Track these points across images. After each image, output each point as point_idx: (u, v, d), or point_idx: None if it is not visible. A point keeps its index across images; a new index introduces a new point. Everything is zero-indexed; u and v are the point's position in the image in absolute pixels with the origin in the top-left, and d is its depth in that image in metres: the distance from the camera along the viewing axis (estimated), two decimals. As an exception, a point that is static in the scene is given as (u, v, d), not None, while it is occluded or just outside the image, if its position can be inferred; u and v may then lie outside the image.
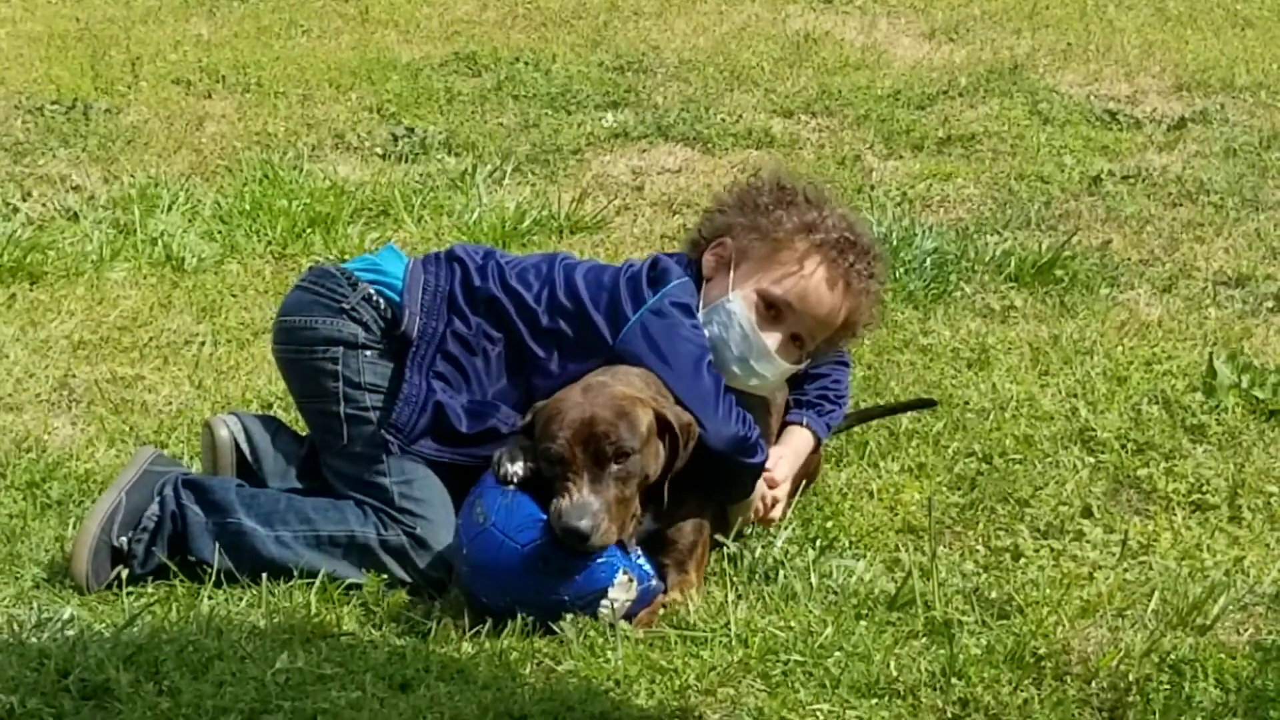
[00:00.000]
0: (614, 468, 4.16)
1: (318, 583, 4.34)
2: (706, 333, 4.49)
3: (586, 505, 4.10)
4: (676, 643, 4.08)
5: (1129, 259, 6.71)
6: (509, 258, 4.69)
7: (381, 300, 4.59)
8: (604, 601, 4.14)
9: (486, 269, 4.61)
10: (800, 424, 4.73)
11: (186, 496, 4.50)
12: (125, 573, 4.42)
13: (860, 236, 4.60)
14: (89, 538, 4.42)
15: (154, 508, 4.49)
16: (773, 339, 4.52)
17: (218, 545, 4.44)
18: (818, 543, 4.58)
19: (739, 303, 4.52)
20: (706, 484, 4.40)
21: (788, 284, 4.53)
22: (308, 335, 4.58)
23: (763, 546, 4.49)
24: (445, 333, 4.55)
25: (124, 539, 4.45)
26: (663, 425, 4.26)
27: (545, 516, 4.15)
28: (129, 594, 4.35)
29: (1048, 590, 4.31)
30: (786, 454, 4.66)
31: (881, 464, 5.05)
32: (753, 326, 4.51)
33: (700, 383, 4.37)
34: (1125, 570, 4.46)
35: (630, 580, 4.17)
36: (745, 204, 4.65)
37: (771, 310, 4.53)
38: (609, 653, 4.02)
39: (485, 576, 4.19)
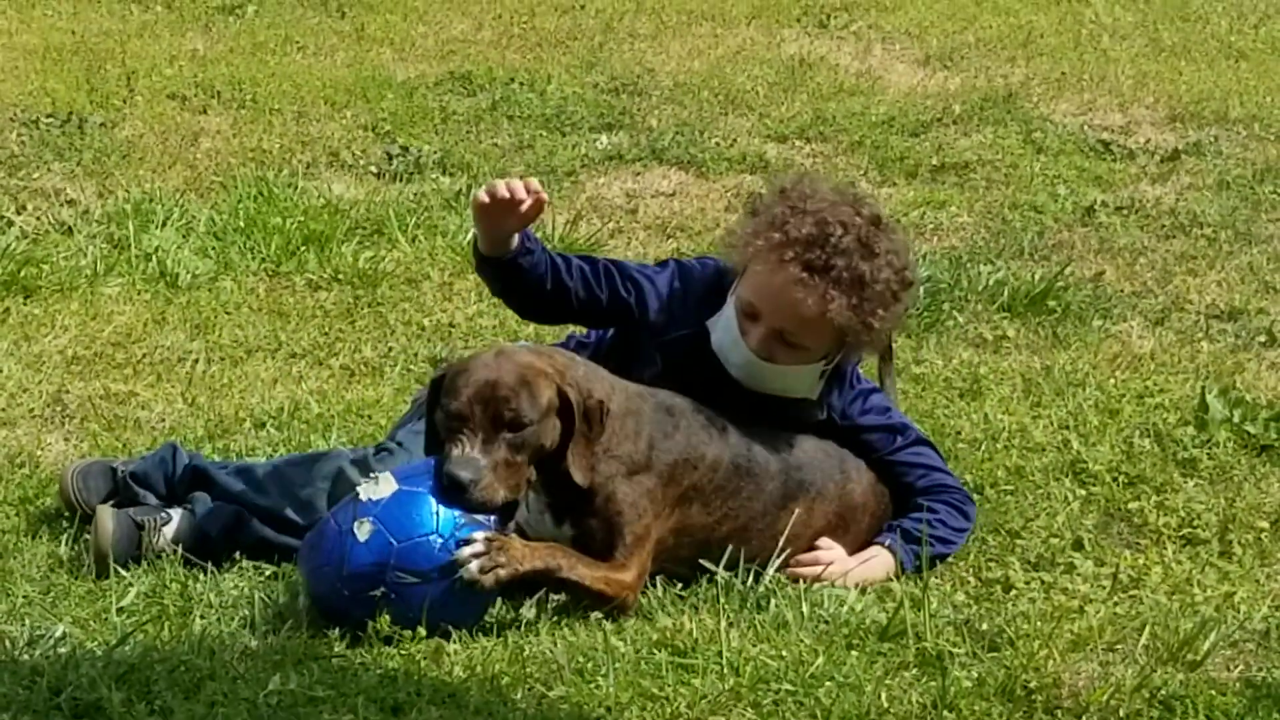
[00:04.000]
0: (508, 434, 4.23)
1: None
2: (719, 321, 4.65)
3: (474, 461, 4.19)
4: (668, 670, 4.08)
5: (1122, 290, 6.72)
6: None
7: None
8: None
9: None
10: (884, 545, 4.63)
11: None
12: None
13: (835, 234, 4.51)
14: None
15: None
16: (755, 334, 4.57)
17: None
18: (810, 571, 4.58)
19: (730, 305, 4.62)
20: None
21: (752, 285, 4.59)
22: None
23: (755, 575, 4.49)
24: None
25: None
26: (564, 403, 4.31)
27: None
28: (120, 612, 4.34)
29: (1038, 623, 4.31)
30: (851, 559, 4.60)
31: (873, 493, 5.05)
32: (732, 323, 4.60)
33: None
34: (1116, 604, 4.47)
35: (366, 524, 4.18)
36: (753, 210, 4.73)
37: (750, 309, 4.59)
38: (600, 679, 4.02)
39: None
